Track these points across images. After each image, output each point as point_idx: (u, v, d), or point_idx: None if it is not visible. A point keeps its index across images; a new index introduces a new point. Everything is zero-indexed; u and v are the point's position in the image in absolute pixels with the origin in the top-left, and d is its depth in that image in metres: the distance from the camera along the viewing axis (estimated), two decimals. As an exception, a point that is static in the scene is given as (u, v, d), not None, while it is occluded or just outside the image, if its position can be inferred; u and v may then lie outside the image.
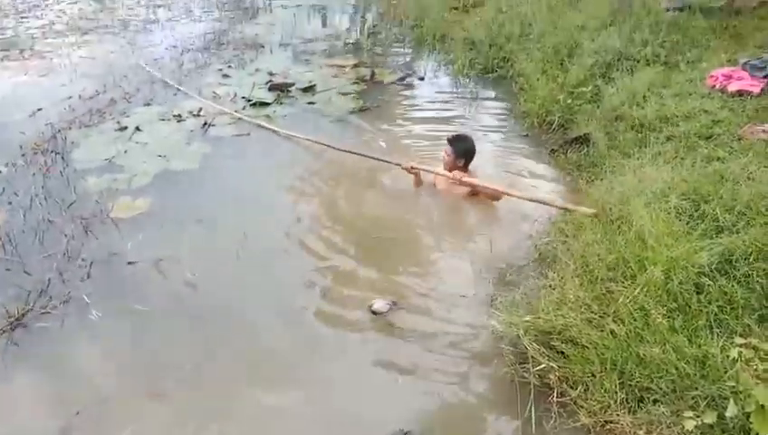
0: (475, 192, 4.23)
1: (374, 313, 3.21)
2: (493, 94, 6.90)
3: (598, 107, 5.22)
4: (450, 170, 4.27)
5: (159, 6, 10.82)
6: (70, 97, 6.61)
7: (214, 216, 4.28)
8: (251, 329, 3.16)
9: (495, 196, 4.09)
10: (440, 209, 4.35)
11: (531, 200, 3.93)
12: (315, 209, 4.37)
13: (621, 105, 4.92)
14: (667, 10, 6.38)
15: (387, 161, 4.66)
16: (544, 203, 3.91)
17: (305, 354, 2.99)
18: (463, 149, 4.27)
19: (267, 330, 3.16)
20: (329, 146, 5.22)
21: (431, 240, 3.95)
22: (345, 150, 5.04)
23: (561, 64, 6.16)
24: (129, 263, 3.72)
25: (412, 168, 4.40)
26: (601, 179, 4.11)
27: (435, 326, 3.12)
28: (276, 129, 5.73)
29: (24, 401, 2.76)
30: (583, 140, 4.95)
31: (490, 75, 7.29)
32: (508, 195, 3.98)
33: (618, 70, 5.54)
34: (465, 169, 4.28)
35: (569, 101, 5.49)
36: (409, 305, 3.29)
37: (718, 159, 3.70)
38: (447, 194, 4.37)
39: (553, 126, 5.48)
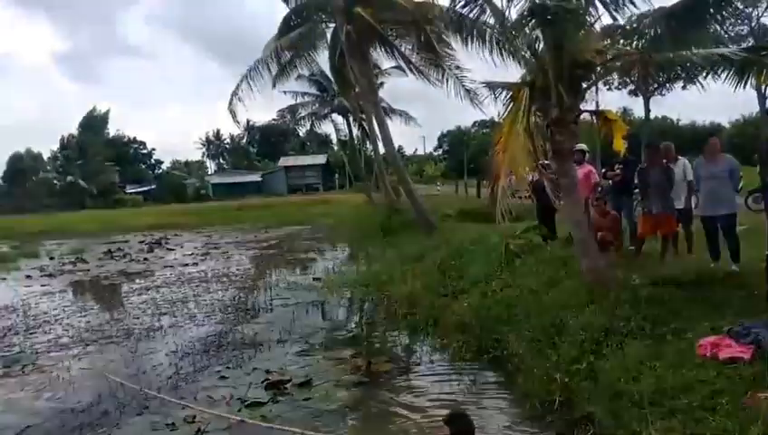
0: None
1: None
2: (490, 376, 6.88)
3: (595, 384, 5.16)
4: None
5: (164, 314, 11.30)
6: (62, 411, 6.49)
7: None
8: None
9: None
10: None
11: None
12: None
13: (618, 381, 4.88)
14: (644, 286, 6.75)
15: None
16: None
17: None
18: (461, 429, 4.06)
19: None
20: None
21: None
22: None
23: (553, 343, 6.26)
24: None
25: None
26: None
27: None
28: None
29: None
30: (588, 420, 4.79)
31: (485, 356, 7.35)
32: None
33: (608, 345, 5.62)
34: None
35: (566, 380, 5.45)
36: None
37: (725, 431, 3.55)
38: None
39: (555, 406, 5.33)
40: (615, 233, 8.80)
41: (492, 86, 8.73)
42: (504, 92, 8.38)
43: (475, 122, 71.21)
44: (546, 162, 8.33)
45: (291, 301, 11.86)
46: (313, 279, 14.40)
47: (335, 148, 63.86)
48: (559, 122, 7.29)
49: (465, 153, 53.44)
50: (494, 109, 19.74)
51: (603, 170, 10.88)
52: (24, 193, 64.55)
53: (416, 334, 8.94)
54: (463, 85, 17.27)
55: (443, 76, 17.47)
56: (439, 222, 16.86)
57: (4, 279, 17.91)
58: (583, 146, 10.06)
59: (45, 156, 68.87)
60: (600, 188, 9.96)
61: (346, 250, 20.96)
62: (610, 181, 9.91)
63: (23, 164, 67.28)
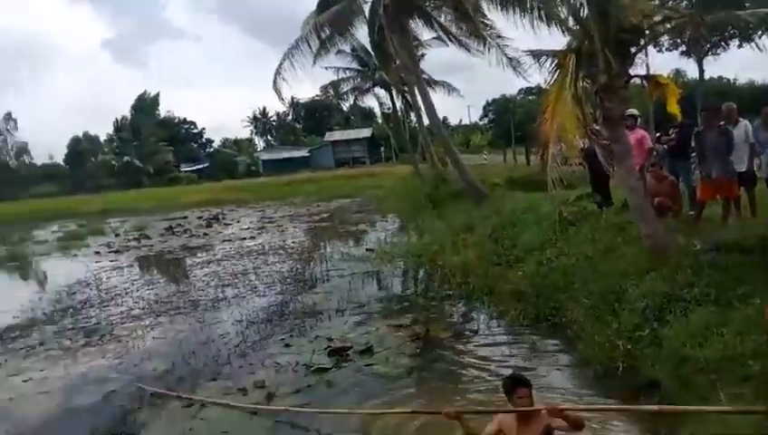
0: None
1: None
2: (549, 343, 6.94)
3: (659, 350, 5.17)
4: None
5: (227, 286, 11.78)
6: (140, 378, 6.93)
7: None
8: None
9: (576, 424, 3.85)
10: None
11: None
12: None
13: (683, 347, 4.87)
14: (706, 251, 6.62)
15: (426, 412, 4.74)
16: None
17: None
18: (516, 385, 4.16)
19: None
20: (369, 413, 5.33)
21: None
22: (385, 412, 5.18)
23: (613, 310, 6.26)
24: None
25: (456, 413, 4.18)
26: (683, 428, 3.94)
27: None
28: (320, 410, 5.55)
29: None
30: (653, 386, 4.82)
31: (543, 324, 7.41)
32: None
33: (671, 312, 5.58)
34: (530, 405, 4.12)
35: (628, 346, 5.47)
36: None
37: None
38: None
39: (618, 372, 5.37)
40: (673, 198, 8.59)
41: (536, 54, 8.59)
42: (550, 60, 8.24)
43: (520, 90, 69.64)
44: (597, 128, 8.20)
45: (346, 271, 12.14)
46: (366, 250, 14.64)
47: (379, 121, 63.75)
48: (608, 88, 7.14)
49: (511, 121, 52.35)
50: (539, 76, 19.33)
51: (657, 135, 10.57)
52: (84, 174, 67.43)
53: (471, 303, 9.06)
54: (505, 54, 16.97)
55: (484, 45, 17.22)
56: (488, 191, 16.76)
57: (76, 256, 18.91)
58: (634, 111, 9.80)
59: (102, 138, 71.63)
60: (655, 153, 9.72)
61: (396, 222, 21.13)
62: (665, 146, 9.65)
63: (81, 147, 70.08)
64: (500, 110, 71.20)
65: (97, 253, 18.84)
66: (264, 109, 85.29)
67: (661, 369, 4.83)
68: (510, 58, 16.88)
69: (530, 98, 63.40)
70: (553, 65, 7.99)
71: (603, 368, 5.56)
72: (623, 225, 8.43)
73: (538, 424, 4.02)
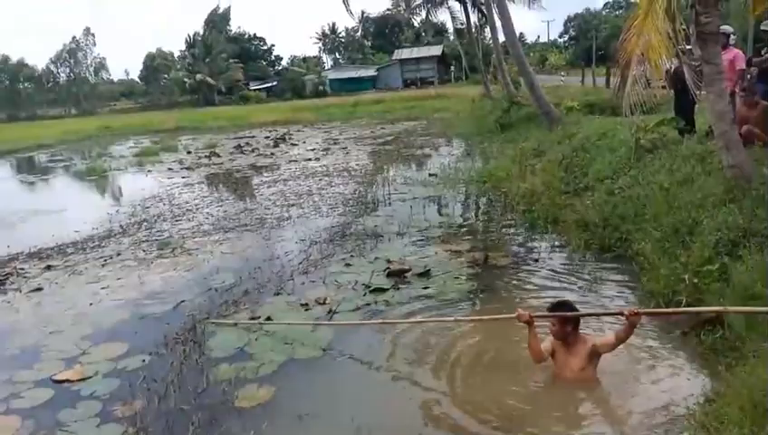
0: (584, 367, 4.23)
1: None
2: (612, 274, 6.76)
3: (728, 285, 4.93)
4: (557, 336, 4.29)
5: (292, 205, 12.06)
6: (209, 289, 7.31)
7: (331, 409, 4.43)
8: None
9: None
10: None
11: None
12: (433, 397, 4.36)
13: (754, 284, 4.62)
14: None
15: (501, 318, 4.85)
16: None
17: None
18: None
19: None
20: (438, 320, 5.68)
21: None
22: (456, 320, 5.50)
23: (683, 243, 5.98)
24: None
25: (530, 316, 4.25)
26: (744, 364, 3.81)
27: None
28: (388, 321, 5.87)
29: None
30: (717, 322, 4.66)
31: (607, 255, 7.22)
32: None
33: (745, 247, 5.27)
34: (575, 332, 4.30)
35: (695, 280, 5.25)
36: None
37: None
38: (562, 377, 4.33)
39: (681, 307, 5.19)
40: (763, 126, 7.90)
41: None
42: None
43: (606, 3, 64.99)
44: (688, 48, 7.53)
45: (408, 195, 12.14)
46: (429, 175, 14.50)
47: (451, 38, 61.36)
48: (706, 1, 6.48)
49: (594, 39, 49.09)
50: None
51: (748, 57, 9.61)
52: (158, 91, 69.47)
53: (534, 231, 8.89)
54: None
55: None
56: (563, 115, 16.01)
57: (150, 171, 19.80)
58: (728, 28, 8.90)
59: (176, 55, 72.97)
60: (748, 77, 8.88)
61: (462, 146, 20.72)
62: (754, 69, 8.79)
63: (155, 63, 71.74)
64: (582, 26, 66.94)
65: (170, 169, 19.65)
66: (334, 24, 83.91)
67: (727, 305, 4.61)
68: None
69: (617, 13, 59.30)
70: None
71: (666, 302, 5.38)
72: (705, 154, 7.90)
73: (582, 347, 4.26)
